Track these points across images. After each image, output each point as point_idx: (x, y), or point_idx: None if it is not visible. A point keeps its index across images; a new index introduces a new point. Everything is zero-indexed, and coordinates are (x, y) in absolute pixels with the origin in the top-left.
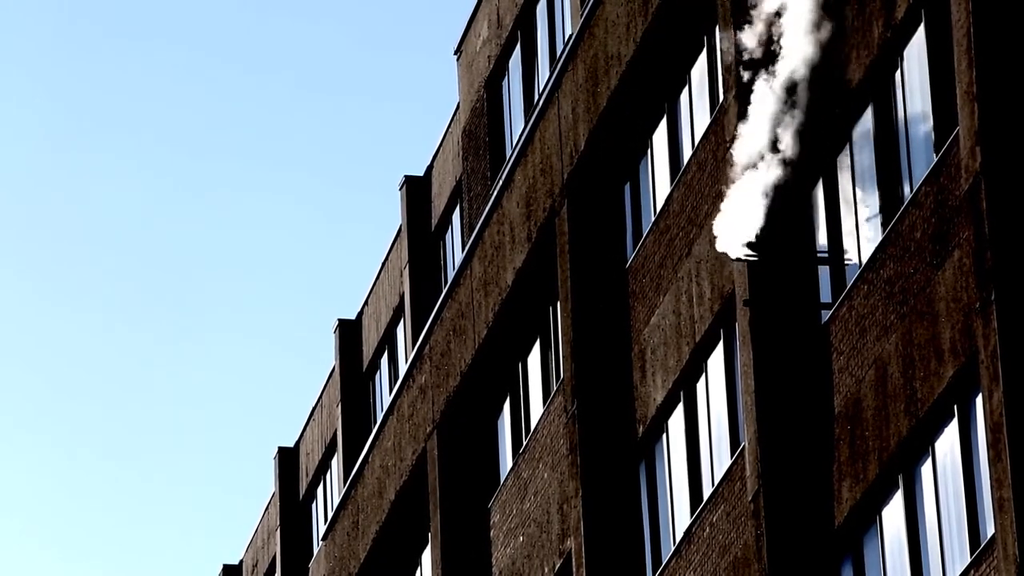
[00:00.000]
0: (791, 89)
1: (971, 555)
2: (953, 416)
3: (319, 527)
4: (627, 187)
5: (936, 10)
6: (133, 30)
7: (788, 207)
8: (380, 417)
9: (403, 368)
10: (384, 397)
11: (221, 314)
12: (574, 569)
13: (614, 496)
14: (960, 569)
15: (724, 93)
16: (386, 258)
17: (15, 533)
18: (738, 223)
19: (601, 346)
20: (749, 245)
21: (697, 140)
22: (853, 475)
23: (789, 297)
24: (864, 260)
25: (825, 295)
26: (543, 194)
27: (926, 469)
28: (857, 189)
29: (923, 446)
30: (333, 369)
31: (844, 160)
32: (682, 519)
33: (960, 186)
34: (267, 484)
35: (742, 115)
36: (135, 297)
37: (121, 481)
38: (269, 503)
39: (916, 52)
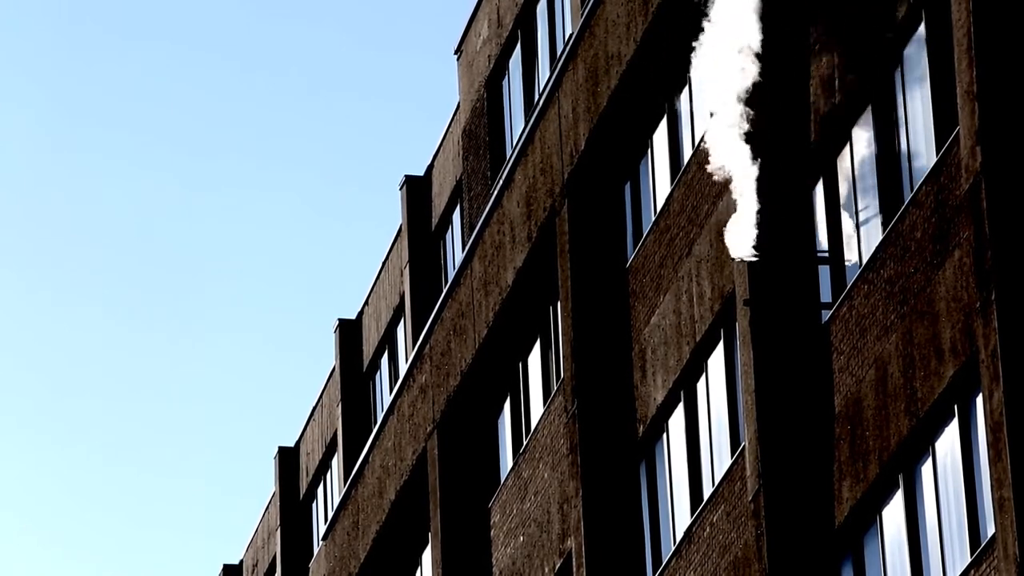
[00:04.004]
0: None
1: (971, 555)
2: (953, 416)
3: (319, 527)
4: (627, 187)
5: (936, 10)
6: (133, 30)
7: (786, 207)
8: (380, 417)
9: (403, 368)
10: (384, 397)
11: (221, 314)
12: (574, 569)
13: (614, 496)
14: (960, 569)
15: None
16: (386, 258)
17: (15, 532)
18: (743, 223)
19: (601, 346)
20: (753, 245)
21: (697, 140)
22: (853, 475)
23: (789, 297)
24: (864, 260)
25: (825, 295)
26: (543, 194)
27: (926, 469)
28: (857, 188)
29: (923, 446)
30: (333, 369)
31: (844, 160)
32: (682, 519)
33: (960, 186)
34: (267, 484)
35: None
36: (135, 297)
37: (121, 481)
38: (269, 503)
39: (916, 52)
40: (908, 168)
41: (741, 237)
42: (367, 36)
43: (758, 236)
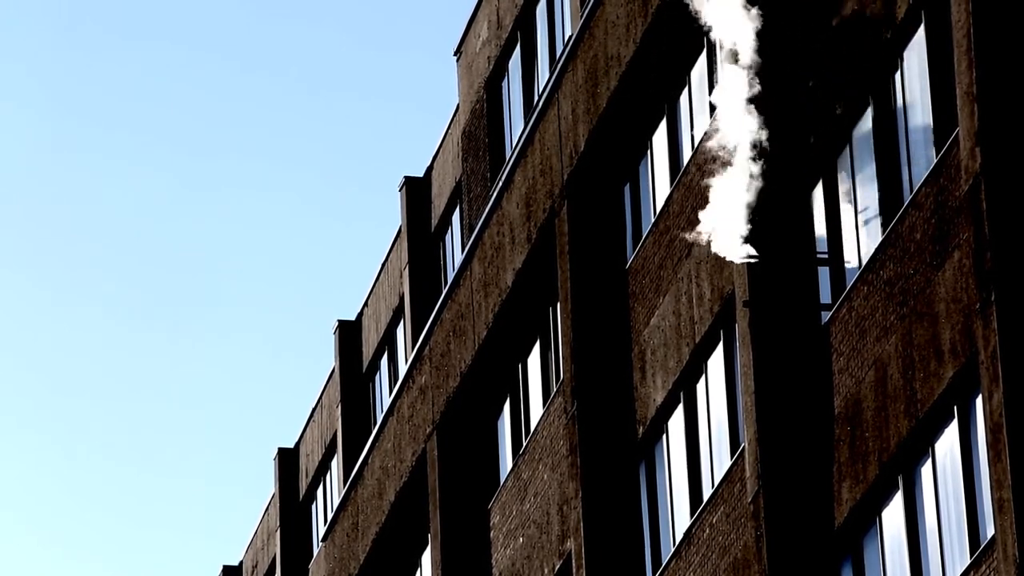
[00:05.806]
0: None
1: (971, 556)
2: (953, 417)
3: (319, 528)
4: (627, 187)
5: (936, 10)
6: (133, 30)
7: (779, 207)
8: (380, 418)
9: (403, 369)
10: (384, 398)
11: (221, 314)
12: (574, 570)
13: (614, 497)
14: (960, 570)
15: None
16: (386, 259)
17: (15, 532)
18: (728, 223)
19: (601, 347)
20: (746, 242)
21: (697, 140)
22: (853, 476)
23: (789, 298)
24: (864, 261)
25: (825, 296)
26: (543, 195)
27: (926, 470)
28: (857, 189)
29: (923, 447)
30: (333, 370)
31: (844, 160)
32: (682, 520)
33: (960, 187)
34: (267, 485)
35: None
36: (135, 297)
37: (121, 481)
38: (269, 504)
39: (916, 52)
40: (908, 168)
41: (740, 238)
42: (367, 36)
43: (758, 237)
